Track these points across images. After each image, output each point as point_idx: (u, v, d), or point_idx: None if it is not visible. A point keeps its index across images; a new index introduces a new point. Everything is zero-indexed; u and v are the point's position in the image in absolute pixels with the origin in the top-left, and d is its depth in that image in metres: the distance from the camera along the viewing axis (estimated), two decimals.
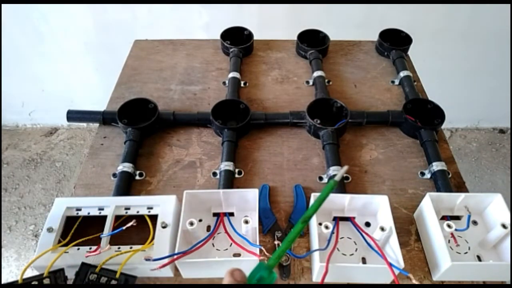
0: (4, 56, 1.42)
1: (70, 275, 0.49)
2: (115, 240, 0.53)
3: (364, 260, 0.53)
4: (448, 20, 1.31)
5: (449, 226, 0.51)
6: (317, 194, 0.55)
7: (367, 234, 0.53)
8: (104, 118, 0.73)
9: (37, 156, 1.65)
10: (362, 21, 1.27)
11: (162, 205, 0.55)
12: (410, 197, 0.62)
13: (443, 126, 0.71)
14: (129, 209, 0.55)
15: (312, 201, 0.55)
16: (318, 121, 0.70)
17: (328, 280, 0.48)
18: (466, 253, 0.54)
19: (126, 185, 0.62)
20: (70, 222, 0.54)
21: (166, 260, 0.48)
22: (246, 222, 0.51)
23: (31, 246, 1.37)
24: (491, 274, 0.52)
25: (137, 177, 0.64)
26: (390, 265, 0.47)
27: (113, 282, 0.47)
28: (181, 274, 0.52)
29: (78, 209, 0.55)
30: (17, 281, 0.45)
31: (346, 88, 0.83)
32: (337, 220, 0.56)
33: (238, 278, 0.35)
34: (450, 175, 0.64)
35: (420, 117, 0.72)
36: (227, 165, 0.63)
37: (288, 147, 0.70)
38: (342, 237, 0.55)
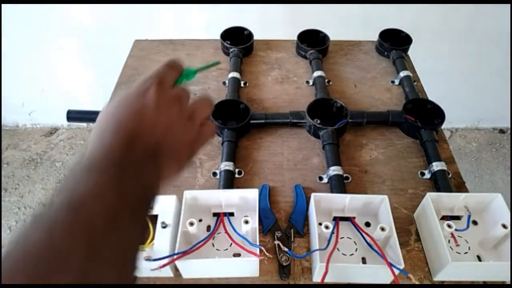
0: (4, 56, 1.42)
1: None
2: None
3: (364, 260, 0.53)
4: (448, 20, 1.31)
5: (449, 226, 0.51)
6: (318, 194, 0.55)
7: (367, 234, 0.53)
8: None
9: (37, 156, 1.65)
10: (362, 21, 1.27)
11: (162, 205, 0.55)
12: (410, 197, 0.62)
13: (443, 126, 0.71)
14: None
15: (312, 201, 0.55)
16: (318, 121, 0.70)
17: (328, 280, 0.48)
18: (466, 253, 0.54)
19: None
20: None
21: (166, 260, 0.48)
22: (246, 222, 0.51)
23: None
24: (491, 274, 0.52)
25: None
26: (390, 265, 0.47)
27: None
28: (181, 274, 0.52)
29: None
30: None
31: (346, 88, 0.83)
32: (337, 220, 0.56)
33: (174, 65, 0.37)
34: (450, 175, 0.64)
35: (420, 117, 0.72)
36: (227, 165, 0.63)
37: (288, 147, 0.70)
38: (342, 237, 0.55)
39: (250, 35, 0.91)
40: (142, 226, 0.29)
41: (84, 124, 1.74)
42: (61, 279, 0.21)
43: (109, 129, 0.30)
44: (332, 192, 0.61)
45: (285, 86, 0.83)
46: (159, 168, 0.31)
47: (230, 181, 0.62)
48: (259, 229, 0.57)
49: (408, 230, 0.58)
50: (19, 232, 0.22)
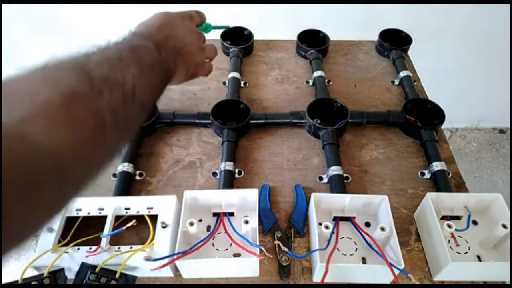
0: (4, 56, 1.42)
1: (70, 275, 0.49)
2: (115, 240, 0.53)
3: (364, 260, 0.53)
4: (448, 20, 1.31)
5: (449, 226, 0.51)
6: (318, 194, 0.55)
7: (367, 234, 0.53)
8: None
9: None
10: (362, 21, 1.27)
11: (162, 205, 0.55)
12: (410, 197, 0.62)
13: (443, 126, 0.71)
14: (129, 209, 0.55)
15: (312, 201, 0.55)
16: (318, 121, 0.70)
17: (328, 280, 0.48)
18: (466, 253, 0.54)
19: (126, 185, 0.62)
20: (70, 222, 0.54)
21: (166, 260, 0.48)
22: (246, 222, 0.51)
23: (31, 246, 1.37)
24: (491, 274, 0.52)
25: (137, 177, 0.64)
26: (390, 265, 0.47)
27: (113, 282, 0.47)
28: (181, 274, 0.52)
29: (78, 209, 0.55)
30: (17, 281, 0.45)
31: (346, 88, 0.83)
32: (337, 220, 0.56)
33: (201, 13, 0.54)
34: (450, 175, 0.64)
35: (420, 117, 0.72)
36: (227, 165, 0.63)
37: (288, 147, 0.70)
38: (342, 237, 0.55)
39: (250, 35, 0.91)
40: (161, 88, 0.43)
41: None
42: (124, 77, 0.33)
43: (156, 24, 0.45)
44: (332, 192, 0.61)
45: (285, 86, 0.83)
46: (175, 65, 0.45)
47: (230, 181, 0.62)
48: (259, 229, 0.57)
49: (408, 230, 0.58)
50: (96, 50, 0.35)
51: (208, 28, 0.57)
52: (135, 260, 0.49)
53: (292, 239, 0.56)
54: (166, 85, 0.43)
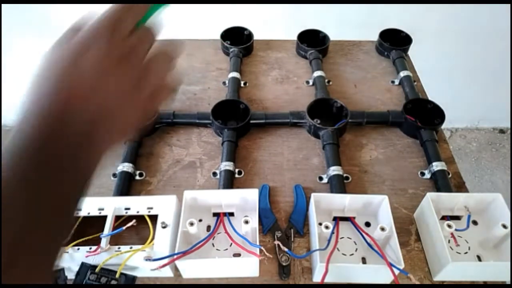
0: (4, 55, 1.42)
1: (70, 275, 0.49)
2: (115, 240, 0.53)
3: (364, 260, 0.53)
4: (448, 20, 1.31)
5: (449, 226, 0.51)
6: (318, 194, 0.55)
7: (367, 234, 0.53)
8: None
9: None
10: (362, 21, 1.27)
11: (162, 205, 0.55)
12: (410, 197, 0.62)
13: (443, 126, 0.71)
14: (129, 209, 0.55)
15: (312, 201, 0.55)
16: (318, 121, 0.70)
17: (328, 280, 0.48)
18: (466, 253, 0.54)
19: (126, 185, 0.62)
20: None
21: (166, 260, 0.48)
22: (246, 222, 0.51)
23: None
24: (491, 274, 0.52)
25: (137, 177, 0.64)
26: (390, 265, 0.47)
27: (113, 282, 0.47)
28: (181, 274, 0.52)
29: (78, 209, 0.55)
30: None
31: (346, 88, 0.83)
32: (337, 220, 0.56)
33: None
34: (450, 175, 0.64)
35: (420, 117, 0.72)
36: (227, 165, 0.63)
37: (288, 147, 0.70)
38: (342, 237, 0.55)
39: (250, 35, 0.91)
40: (78, 188, 0.23)
41: None
42: None
43: (52, 83, 0.23)
44: (332, 192, 0.61)
45: (285, 86, 0.83)
46: (92, 141, 0.25)
47: (230, 181, 0.62)
48: (259, 229, 0.57)
49: (408, 230, 0.58)
50: None
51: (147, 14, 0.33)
52: (135, 260, 0.49)
53: (292, 239, 0.56)
54: (91, 173, 0.25)
